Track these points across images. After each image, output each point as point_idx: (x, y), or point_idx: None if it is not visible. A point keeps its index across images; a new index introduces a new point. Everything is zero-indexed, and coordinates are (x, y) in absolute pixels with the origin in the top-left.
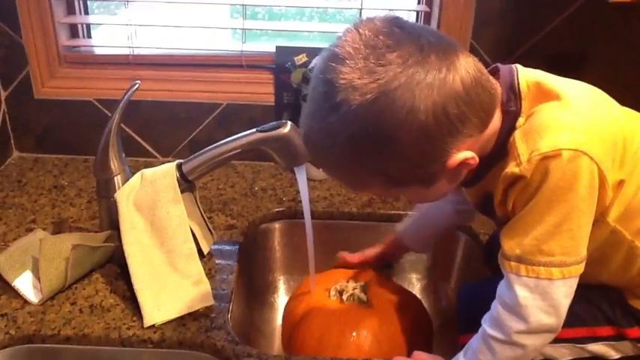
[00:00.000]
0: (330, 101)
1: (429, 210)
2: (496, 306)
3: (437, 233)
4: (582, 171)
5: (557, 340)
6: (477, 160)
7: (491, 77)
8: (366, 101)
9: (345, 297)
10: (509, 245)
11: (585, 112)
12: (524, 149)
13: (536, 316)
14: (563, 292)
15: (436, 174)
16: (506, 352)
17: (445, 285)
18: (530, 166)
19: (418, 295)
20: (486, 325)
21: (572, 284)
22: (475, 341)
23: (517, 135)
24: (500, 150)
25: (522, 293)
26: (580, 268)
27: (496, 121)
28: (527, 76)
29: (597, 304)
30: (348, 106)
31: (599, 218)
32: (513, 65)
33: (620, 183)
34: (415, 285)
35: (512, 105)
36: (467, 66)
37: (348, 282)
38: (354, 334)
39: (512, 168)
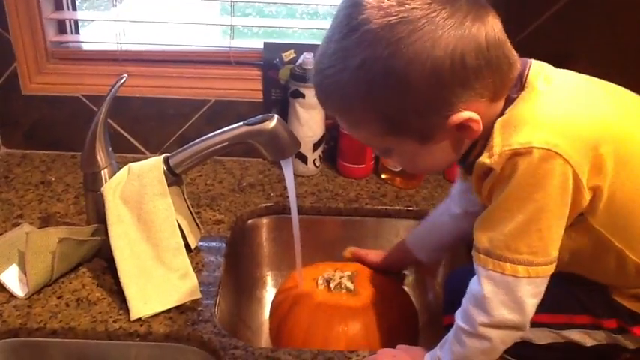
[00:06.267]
0: (351, 21)
1: (436, 213)
2: (466, 299)
3: (445, 241)
4: (554, 172)
5: (534, 324)
6: (481, 127)
7: (513, 50)
8: (388, 24)
9: (332, 285)
10: (480, 237)
11: (568, 111)
12: (499, 141)
13: (499, 311)
14: (528, 290)
15: (436, 129)
16: (474, 344)
17: (432, 280)
18: (500, 160)
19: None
20: (457, 318)
21: (539, 284)
22: (450, 334)
23: (497, 124)
24: (479, 141)
25: (487, 286)
26: (548, 270)
27: (500, 103)
28: (537, 69)
29: (577, 293)
30: (368, 25)
31: (581, 220)
32: (528, 59)
33: (599, 188)
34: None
35: (515, 93)
36: (495, 25)
37: (334, 272)
38: (342, 324)
39: (484, 158)
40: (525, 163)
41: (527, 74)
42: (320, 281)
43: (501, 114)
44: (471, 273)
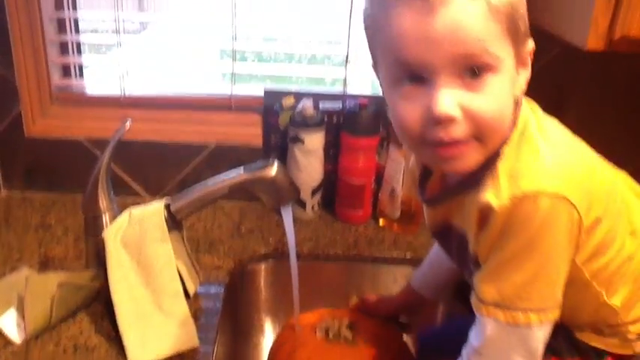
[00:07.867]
0: None
1: (433, 250)
2: (469, 355)
3: (446, 275)
4: (562, 217)
5: None
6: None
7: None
8: None
9: (331, 335)
10: (487, 290)
11: (567, 158)
12: (507, 185)
13: None
14: (540, 337)
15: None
16: None
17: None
18: (509, 204)
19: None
20: None
21: (549, 329)
22: None
23: (501, 166)
24: (476, 174)
25: (499, 337)
26: (557, 313)
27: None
28: (529, 109)
29: None
30: None
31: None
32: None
33: (595, 223)
34: None
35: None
36: None
37: (333, 320)
38: None
39: (490, 197)
40: (535, 209)
41: (518, 115)
42: (318, 330)
43: (498, 154)
44: (445, 332)
